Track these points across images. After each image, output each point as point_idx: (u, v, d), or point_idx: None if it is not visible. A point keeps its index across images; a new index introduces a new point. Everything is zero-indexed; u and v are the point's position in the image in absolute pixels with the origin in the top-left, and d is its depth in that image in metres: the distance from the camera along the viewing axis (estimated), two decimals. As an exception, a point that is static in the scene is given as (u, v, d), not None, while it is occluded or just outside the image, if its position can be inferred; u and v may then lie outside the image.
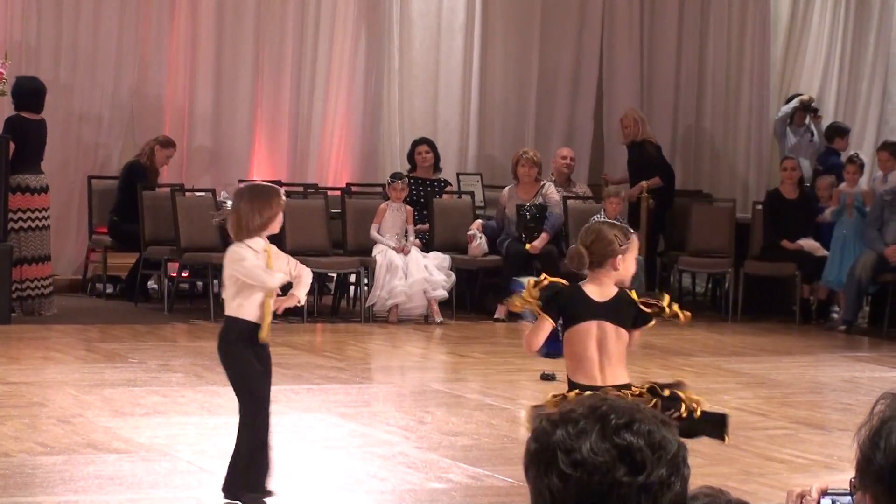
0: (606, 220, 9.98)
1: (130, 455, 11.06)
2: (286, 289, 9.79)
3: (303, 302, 10.32)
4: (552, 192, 19.18)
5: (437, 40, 20.88)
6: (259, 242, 9.51)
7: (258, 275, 9.40)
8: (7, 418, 11.92)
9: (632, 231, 9.04)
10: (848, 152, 20.79)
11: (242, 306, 9.48)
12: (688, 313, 8.79)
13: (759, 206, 20.33)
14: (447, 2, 20.86)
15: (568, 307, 8.65)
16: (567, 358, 8.77)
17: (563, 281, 8.86)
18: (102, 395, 13.13)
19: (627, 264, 8.75)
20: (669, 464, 3.31)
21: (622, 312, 8.73)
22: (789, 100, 21.57)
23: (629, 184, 20.01)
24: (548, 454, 3.30)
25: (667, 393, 8.64)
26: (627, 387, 8.56)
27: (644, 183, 19.84)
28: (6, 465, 10.62)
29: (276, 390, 13.56)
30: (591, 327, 8.58)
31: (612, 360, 8.64)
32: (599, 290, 8.67)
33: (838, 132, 21.36)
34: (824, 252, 19.35)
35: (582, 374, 8.58)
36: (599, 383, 8.44)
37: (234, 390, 9.85)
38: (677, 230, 20.30)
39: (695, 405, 8.63)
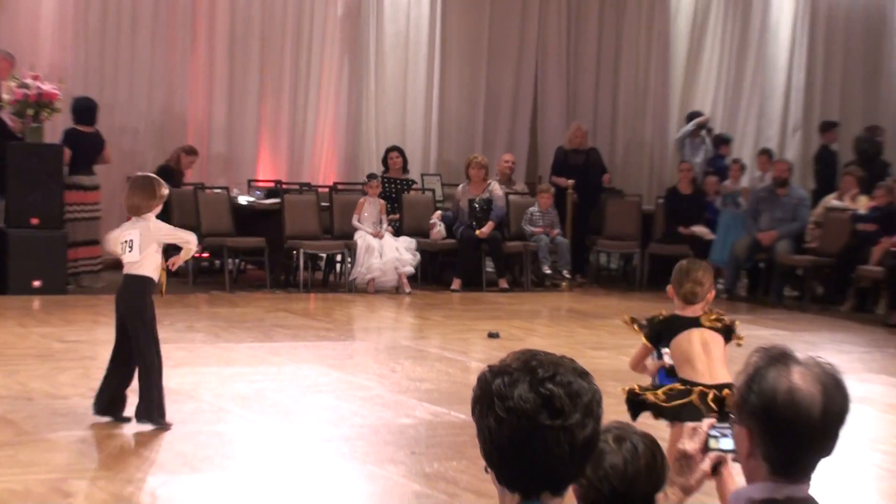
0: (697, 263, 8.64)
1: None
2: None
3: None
4: (497, 188, 19.19)
5: (405, 68, 20.85)
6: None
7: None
8: (64, 369, 11.90)
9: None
10: (731, 157, 20.86)
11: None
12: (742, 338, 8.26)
13: (661, 200, 20.39)
14: (413, 37, 20.83)
15: (666, 330, 8.27)
16: (675, 362, 8.21)
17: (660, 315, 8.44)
18: (139, 351, 13.12)
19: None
20: (584, 408, 3.35)
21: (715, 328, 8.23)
22: (689, 117, 21.55)
23: (575, 182, 19.91)
24: (487, 399, 3.36)
25: None
26: (729, 386, 7.75)
27: (570, 182, 19.86)
28: (65, 405, 10.61)
29: (277, 346, 13.66)
30: (692, 333, 8.17)
31: (714, 360, 8.11)
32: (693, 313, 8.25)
33: (724, 141, 21.41)
34: (712, 236, 19.40)
35: (690, 371, 8.08)
36: (707, 381, 8.00)
37: (143, 333, 10.11)
38: (596, 219, 20.29)
39: None
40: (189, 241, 10.50)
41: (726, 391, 7.72)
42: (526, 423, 3.32)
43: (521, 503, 3.42)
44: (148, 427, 9.88)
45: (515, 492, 3.43)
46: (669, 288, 8.28)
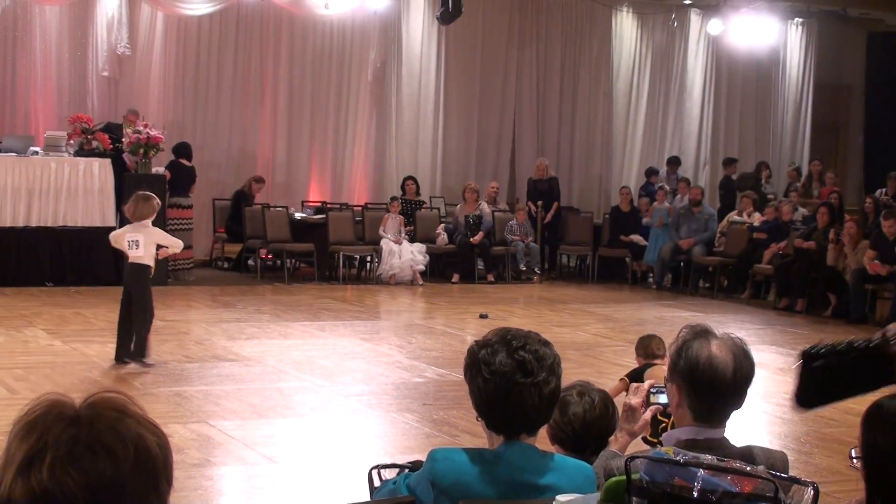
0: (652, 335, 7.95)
1: (237, 362, 11.00)
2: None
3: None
4: (485, 207, 19.14)
5: (417, 118, 20.79)
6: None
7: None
8: (165, 341, 11.83)
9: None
10: (658, 184, 20.78)
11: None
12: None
13: (607, 216, 20.33)
14: (423, 95, 20.76)
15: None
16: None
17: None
18: (221, 328, 13.06)
19: None
20: (548, 369, 3.45)
21: None
22: (647, 172, 21.39)
23: (543, 204, 19.87)
24: (475, 366, 3.48)
25: None
26: None
27: (540, 203, 19.82)
28: (166, 369, 10.56)
29: (322, 324, 13.61)
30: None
31: None
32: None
33: (653, 172, 21.34)
34: (645, 242, 19.37)
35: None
36: None
37: (146, 298, 10.68)
38: (560, 229, 20.23)
39: None
40: (176, 244, 11.11)
41: None
42: (505, 381, 3.41)
43: (505, 442, 3.49)
44: (133, 365, 10.54)
45: (500, 434, 3.51)
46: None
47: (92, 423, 1.79)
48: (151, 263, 10.67)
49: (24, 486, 1.75)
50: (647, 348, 7.78)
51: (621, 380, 7.87)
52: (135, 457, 1.79)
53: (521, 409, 3.43)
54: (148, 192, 10.97)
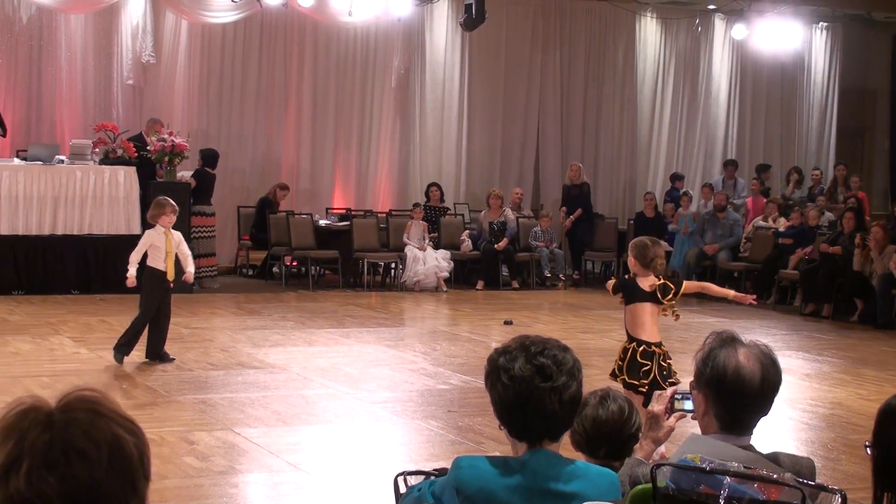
0: (655, 239, 8.46)
1: (262, 370, 11.02)
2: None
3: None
4: (509, 214, 19.13)
5: (441, 125, 20.80)
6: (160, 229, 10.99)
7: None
8: (190, 348, 11.87)
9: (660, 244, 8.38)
10: (683, 190, 20.73)
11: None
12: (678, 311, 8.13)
13: (631, 221, 20.29)
14: (447, 102, 20.77)
15: (627, 292, 8.15)
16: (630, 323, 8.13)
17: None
18: (246, 335, 13.09)
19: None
20: (567, 373, 3.41)
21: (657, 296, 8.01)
22: (672, 178, 21.38)
23: (566, 210, 19.89)
24: (495, 373, 3.44)
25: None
26: (659, 344, 8.03)
27: (562, 209, 19.81)
28: (190, 376, 10.59)
29: (347, 331, 13.61)
30: (645, 305, 8.01)
31: (655, 324, 8.04)
32: (647, 281, 8.04)
33: (678, 177, 21.29)
34: (670, 248, 19.31)
35: (643, 333, 7.99)
36: (650, 340, 7.97)
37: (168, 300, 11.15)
38: (588, 235, 20.19)
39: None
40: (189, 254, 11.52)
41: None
42: (524, 386, 3.39)
43: (528, 449, 3.46)
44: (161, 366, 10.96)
45: (523, 441, 3.48)
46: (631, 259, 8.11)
47: (65, 426, 1.81)
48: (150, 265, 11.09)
49: (2, 494, 1.79)
50: (646, 257, 7.96)
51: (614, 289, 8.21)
52: (109, 458, 1.81)
53: (541, 413, 3.42)
54: (167, 198, 11.38)
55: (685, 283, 8.33)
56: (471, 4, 18.34)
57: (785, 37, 21.61)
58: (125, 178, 16.11)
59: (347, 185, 20.29)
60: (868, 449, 3.14)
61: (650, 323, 8.00)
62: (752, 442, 3.46)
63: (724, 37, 22.55)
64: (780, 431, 9.15)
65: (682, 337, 13.92)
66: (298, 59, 19.69)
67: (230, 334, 13.05)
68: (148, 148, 16.32)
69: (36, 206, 15.63)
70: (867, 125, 24.53)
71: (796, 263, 17.49)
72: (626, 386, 7.84)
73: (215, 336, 12.93)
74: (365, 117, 20.27)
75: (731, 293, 8.61)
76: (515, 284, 18.83)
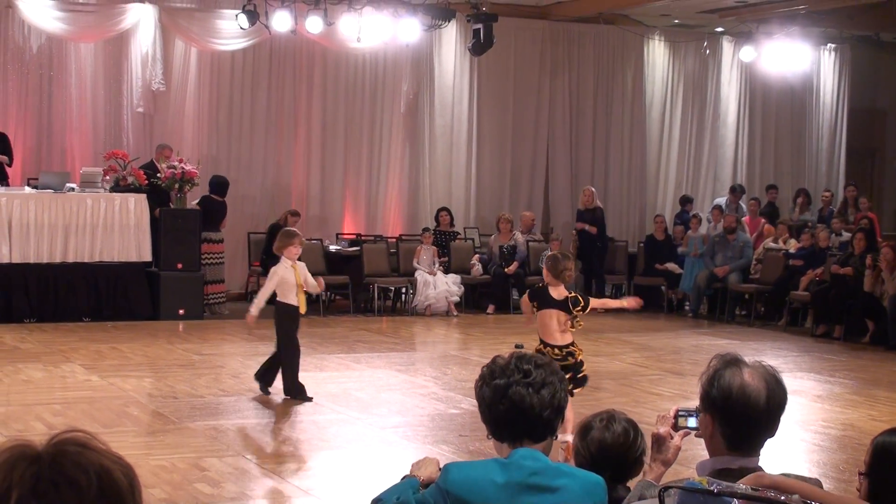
0: (566, 253, 9.73)
1: (273, 395, 11.03)
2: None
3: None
4: (519, 237, 19.16)
5: (451, 149, 20.84)
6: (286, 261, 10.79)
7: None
8: (201, 375, 11.90)
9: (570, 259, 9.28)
10: (693, 212, 20.74)
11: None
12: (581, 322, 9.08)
13: (641, 244, 20.31)
14: (456, 127, 20.83)
15: (539, 299, 9.01)
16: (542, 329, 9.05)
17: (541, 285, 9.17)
18: (257, 361, 13.04)
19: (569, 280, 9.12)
20: (546, 369, 3.68)
21: (567, 305, 8.88)
22: (682, 200, 21.38)
23: (578, 234, 19.94)
24: (482, 378, 3.79)
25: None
26: (570, 344, 8.97)
27: (591, 228, 19.84)
28: (201, 402, 10.60)
29: (358, 356, 13.63)
30: (553, 312, 8.89)
31: (563, 330, 8.92)
32: (557, 291, 8.92)
33: (688, 200, 21.31)
34: (680, 270, 19.33)
35: (551, 338, 8.92)
36: (558, 343, 8.89)
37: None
38: (603, 260, 20.18)
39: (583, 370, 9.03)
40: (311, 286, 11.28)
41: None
42: (504, 382, 3.65)
43: (510, 448, 3.67)
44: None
45: (505, 442, 3.70)
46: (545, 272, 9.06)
47: (54, 459, 1.82)
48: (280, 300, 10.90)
49: None
50: (556, 269, 8.92)
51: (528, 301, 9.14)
52: (98, 486, 1.82)
53: (520, 407, 3.61)
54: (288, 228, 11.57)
55: (591, 300, 9.22)
56: (479, 29, 18.43)
57: (793, 58, 21.65)
58: (136, 206, 16.17)
59: (357, 210, 20.33)
60: (860, 477, 3.20)
61: (558, 329, 8.89)
62: (761, 464, 3.47)
63: (733, 59, 22.60)
64: (791, 453, 9.14)
65: (694, 359, 13.93)
66: (307, 85, 19.77)
67: (241, 360, 13.07)
68: (158, 175, 16.39)
69: (47, 234, 15.70)
70: (876, 146, 24.55)
71: (807, 285, 17.48)
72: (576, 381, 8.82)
73: (226, 362, 12.96)
74: (374, 142, 20.33)
75: (625, 303, 9.84)
76: (526, 308, 18.81)
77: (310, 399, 10.70)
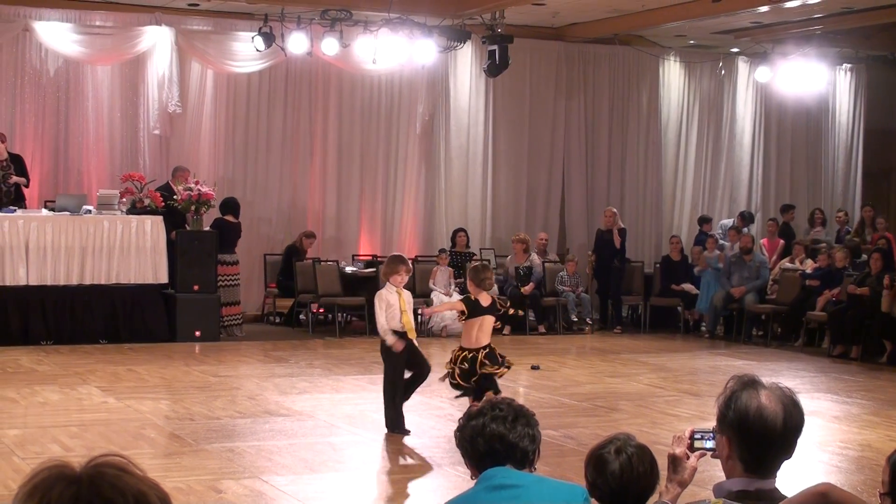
0: (485, 264, 11.13)
1: (289, 417, 11.04)
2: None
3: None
4: (535, 258, 19.17)
5: (466, 171, 20.87)
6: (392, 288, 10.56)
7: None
8: (217, 396, 11.91)
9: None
10: (710, 232, 20.71)
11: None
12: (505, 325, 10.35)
13: (657, 265, 20.29)
14: (472, 148, 20.86)
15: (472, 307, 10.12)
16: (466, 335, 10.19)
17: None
18: (273, 382, 13.12)
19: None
20: (517, 409, 4.19)
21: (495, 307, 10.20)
22: (700, 221, 21.31)
23: (595, 256, 19.93)
24: (460, 425, 4.30)
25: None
26: (487, 346, 10.10)
27: (590, 253, 19.83)
28: (217, 424, 10.61)
29: (374, 377, 13.57)
30: (486, 317, 10.10)
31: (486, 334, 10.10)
32: (484, 298, 10.16)
33: (705, 220, 21.26)
34: (696, 291, 19.30)
35: (485, 340, 10.10)
36: (482, 344, 10.04)
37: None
38: (620, 281, 20.17)
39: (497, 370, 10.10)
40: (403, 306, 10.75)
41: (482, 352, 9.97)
42: (479, 420, 4.16)
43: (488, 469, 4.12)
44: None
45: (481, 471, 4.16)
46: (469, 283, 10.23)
47: (92, 481, 1.83)
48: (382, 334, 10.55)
49: None
50: (478, 278, 10.07)
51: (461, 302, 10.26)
52: None
53: (498, 437, 4.07)
54: (397, 254, 11.40)
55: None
56: (494, 51, 18.47)
57: (809, 79, 21.64)
58: (152, 228, 16.22)
59: (373, 231, 20.36)
60: (881, 497, 3.19)
61: (488, 332, 10.07)
62: (777, 485, 3.47)
63: (748, 79, 22.60)
64: (809, 474, 9.10)
65: (710, 380, 13.90)
66: (323, 107, 19.83)
67: (257, 382, 13.08)
68: (175, 197, 16.44)
69: (64, 257, 15.75)
70: (893, 166, 24.49)
71: (824, 305, 17.44)
72: (485, 377, 9.99)
73: (242, 384, 12.97)
74: (390, 164, 20.37)
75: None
76: (542, 329, 18.83)
77: (407, 432, 10.43)
